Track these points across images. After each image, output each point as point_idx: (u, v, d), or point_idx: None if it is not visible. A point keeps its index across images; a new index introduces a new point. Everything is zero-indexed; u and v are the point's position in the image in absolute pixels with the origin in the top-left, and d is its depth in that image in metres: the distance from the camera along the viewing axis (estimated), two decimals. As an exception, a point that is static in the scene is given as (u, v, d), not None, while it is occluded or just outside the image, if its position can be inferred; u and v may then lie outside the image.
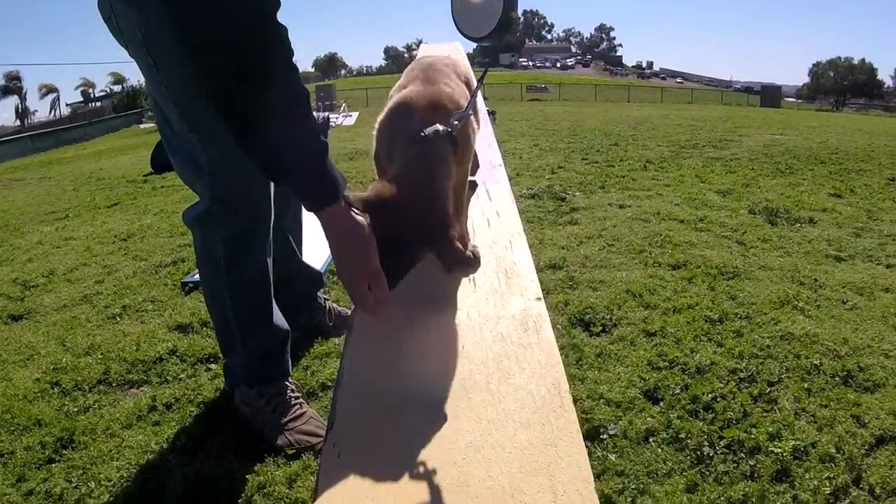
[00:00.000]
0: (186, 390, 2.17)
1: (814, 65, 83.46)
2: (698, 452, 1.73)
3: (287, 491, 1.63)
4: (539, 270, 3.03)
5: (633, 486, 1.61)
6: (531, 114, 16.65)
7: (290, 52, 1.24)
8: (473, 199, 1.83)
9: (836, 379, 2.11)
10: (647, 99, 43.38)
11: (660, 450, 1.75)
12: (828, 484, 1.59)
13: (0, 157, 22.55)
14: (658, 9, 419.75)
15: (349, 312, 2.46)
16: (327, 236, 1.30)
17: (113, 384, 2.29)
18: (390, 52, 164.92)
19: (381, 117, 1.52)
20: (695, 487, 1.60)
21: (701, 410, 1.93)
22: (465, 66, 1.72)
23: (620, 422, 1.87)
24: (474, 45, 1.69)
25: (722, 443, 1.76)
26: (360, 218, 1.28)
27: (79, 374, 2.35)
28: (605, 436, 1.80)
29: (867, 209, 4.56)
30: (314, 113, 1.30)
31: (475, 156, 1.89)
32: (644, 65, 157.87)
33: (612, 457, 1.72)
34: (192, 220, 1.80)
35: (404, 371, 1.23)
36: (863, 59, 78.32)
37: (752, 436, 1.78)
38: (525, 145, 8.39)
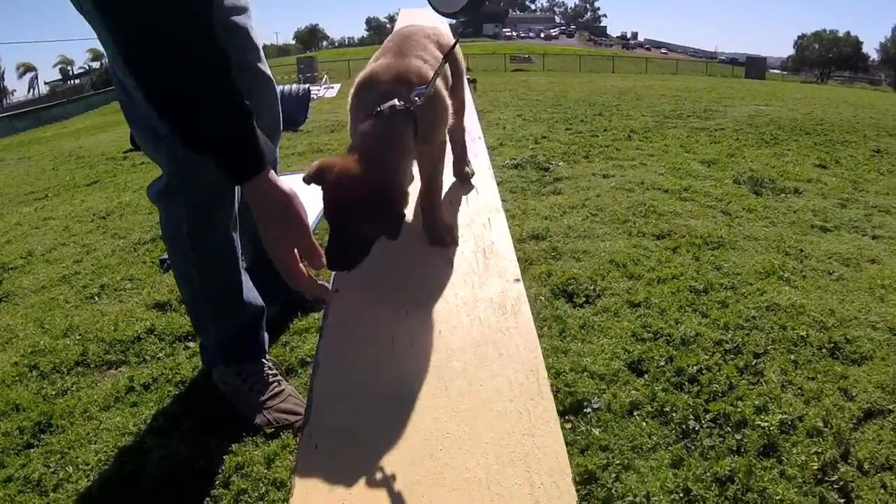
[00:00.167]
0: (164, 370, 2.13)
1: (799, 37, 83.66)
2: (684, 426, 1.69)
3: (265, 471, 1.59)
4: (522, 241, 2.98)
5: (618, 462, 1.56)
6: (515, 84, 16.54)
7: (205, 14, 1.14)
8: (449, 174, 1.75)
9: (823, 351, 2.08)
10: (631, 69, 43.30)
11: (644, 423, 1.71)
12: (815, 459, 1.56)
13: (-22, 138, 22.17)
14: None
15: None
16: (253, 209, 1.22)
17: (91, 365, 2.24)
18: (372, 23, 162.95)
19: (350, 91, 1.45)
20: (680, 462, 1.57)
21: (686, 383, 1.89)
22: (450, 37, 1.64)
23: (604, 395, 1.82)
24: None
25: (708, 416, 1.73)
26: (287, 188, 1.22)
27: (57, 356, 2.30)
28: (588, 409, 1.76)
29: (852, 180, 4.54)
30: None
31: (461, 138, 1.81)
32: (629, 35, 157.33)
33: (596, 431, 1.68)
34: (155, 195, 1.73)
35: (381, 360, 1.18)
36: (848, 32, 78.67)
37: (739, 409, 1.74)
38: (508, 115, 8.30)
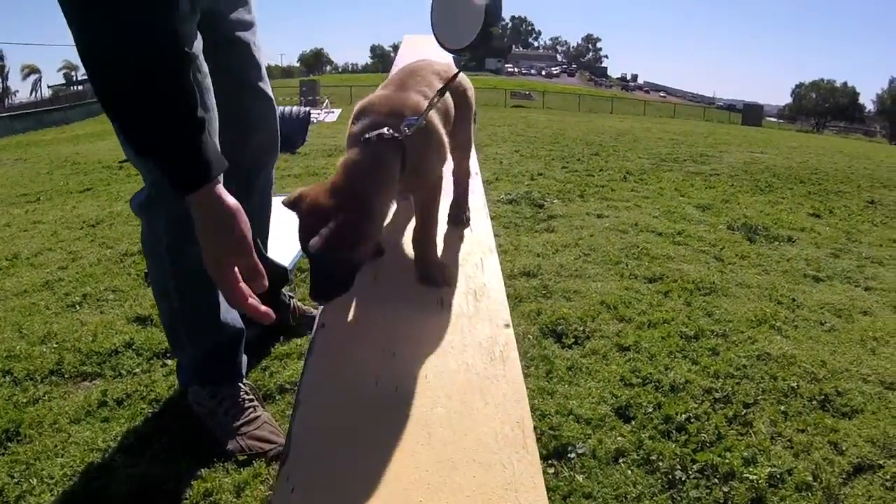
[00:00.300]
0: (139, 386, 2.08)
1: (796, 85, 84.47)
2: (670, 476, 1.65)
3: (234, 500, 1.55)
4: (512, 277, 2.96)
5: (601, 511, 1.52)
6: (514, 120, 16.63)
7: (164, 13, 1.08)
8: (445, 210, 1.71)
9: (814, 403, 2.05)
10: (629, 111, 43.68)
11: (630, 472, 1.67)
12: (804, 515, 1.52)
13: (-22, 138, 22.18)
14: (645, 23, 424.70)
15: (314, 312, 2.37)
16: (196, 221, 1.17)
17: (65, 375, 2.20)
18: (377, 51, 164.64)
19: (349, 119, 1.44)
20: (665, 514, 1.52)
21: (674, 431, 1.85)
22: (462, 76, 1.61)
23: (590, 440, 1.78)
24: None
25: (695, 466, 1.69)
26: (233, 202, 1.17)
27: (32, 363, 2.26)
28: (573, 454, 1.72)
29: (846, 230, 4.54)
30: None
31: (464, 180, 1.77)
32: (629, 77, 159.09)
33: (580, 477, 1.63)
34: (137, 207, 1.70)
35: (365, 402, 1.13)
36: (845, 83, 79.46)
37: (727, 460, 1.71)
38: (506, 150, 8.32)
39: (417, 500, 0.92)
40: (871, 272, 3.49)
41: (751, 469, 1.68)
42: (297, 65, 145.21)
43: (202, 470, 1.65)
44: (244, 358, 1.91)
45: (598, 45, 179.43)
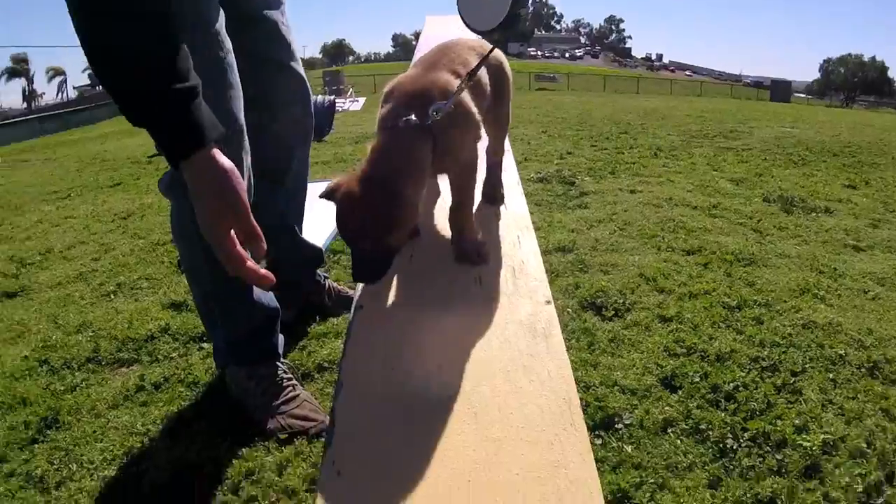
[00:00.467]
0: (177, 370, 2.09)
1: (824, 61, 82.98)
2: (721, 445, 1.63)
3: (276, 478, 1.54)
4: (547, 253, 2.93)
5: (652, 480, 1.50)
6: (539, 102, 16.52)
7: None
8: (479, 189, 1.68)
9: (863, 370, 2.01)
10: (656, 90, 43.13)
11: (679, 441, 1.65)
12: (860, 481, 1.49)
13: (7, 139, 22.45)
14: (668, 2, 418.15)
15: (350, 292, 2.36)
16: (188, 184, 1.13)
17: (102, 362, 2.21)
18: (399, 40, 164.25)
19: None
20: (718, 483, 1.50)
21: (722, 400, 1.82)
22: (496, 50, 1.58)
23: (636, 410, 1.76)
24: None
25: (746, 435, 1.66)
26: (227, 163, 1.13)
27: (68, 351, 2.28)
28: (620, 425, 1.70)
29: (883, 201, 4.45)
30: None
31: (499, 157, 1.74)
32: (653, 57, 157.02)
33: (629, 448, 1.61)
34: (165, 188, 1.69)
35: (407, 383, 1.12)
36: (873, 57, 77.92)
37: (778, 428, 1.68)
38: (533, 132, 8.26)
39: (465, 480, 0.91)
40: (913, 241, 3.41)
41: (803, 436, 1.65)
42: (320, 56, 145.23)
43: (243, 450, 1.65)
44: (280, 338, 1.91)
45: (622, 25, 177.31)
